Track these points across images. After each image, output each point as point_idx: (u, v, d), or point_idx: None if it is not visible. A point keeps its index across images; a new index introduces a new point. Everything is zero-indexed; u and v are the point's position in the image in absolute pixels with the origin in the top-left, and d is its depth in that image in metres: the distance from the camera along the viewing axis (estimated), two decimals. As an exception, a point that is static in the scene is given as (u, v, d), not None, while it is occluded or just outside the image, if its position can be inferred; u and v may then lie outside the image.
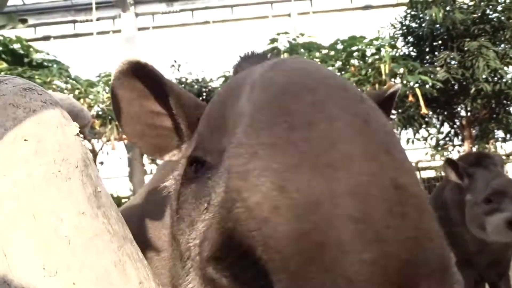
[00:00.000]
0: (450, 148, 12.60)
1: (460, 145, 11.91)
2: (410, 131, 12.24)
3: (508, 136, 11.82)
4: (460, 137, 11.82)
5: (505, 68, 9.89)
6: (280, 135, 0.46)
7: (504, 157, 11.98)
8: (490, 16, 9.38)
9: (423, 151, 13.53)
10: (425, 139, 12.74)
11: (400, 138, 13.30)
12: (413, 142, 12.95)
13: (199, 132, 0.79)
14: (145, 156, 11.27)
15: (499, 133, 12.11)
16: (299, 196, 0.42)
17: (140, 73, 0.87)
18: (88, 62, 14.46)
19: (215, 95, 0.82)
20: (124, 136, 9.20)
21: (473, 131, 11.45)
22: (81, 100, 8.59)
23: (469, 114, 11.30)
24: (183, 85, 9.81)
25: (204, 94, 9.88)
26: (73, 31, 15.04)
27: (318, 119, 0.46)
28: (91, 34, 13.84)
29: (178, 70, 10.45)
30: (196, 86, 9.87)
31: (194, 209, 0.69)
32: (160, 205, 1.16)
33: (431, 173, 13.36)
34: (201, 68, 10.69)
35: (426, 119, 11.57)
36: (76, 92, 8.71)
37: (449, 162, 3.63)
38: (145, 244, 1.13)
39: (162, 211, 1.16)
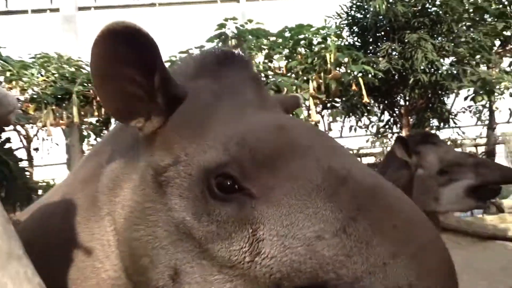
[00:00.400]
0: (390, 135, 13.15)
1: (398, 133, 12.43)
2: (352, 119, 12.63)
3: (442, 124, 12.50)
4: (398, 125, 12.35)
5: (441, 60, 10.41)
6: None
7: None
8: (429, 10, 9.78)
9: (365, 138, 14.03)
10: (367, 126, 13.21)
11: (344, 126, 13.74)
12: (355, 129, 13.39)
13: (234, 152, 0.79)
14: (84, 142, 10.81)
15: (434, 122, 12.78)
16: None
17: (130, 39, 0.82)
18: (22, 42, 13.52)
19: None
20: (61, 122, 8.72)
21: (411, 120, 12.00)
22: (13, 82, 8.01)
23: (407, 103, 11.81)
24: (126, 69, 9.41)
25: (149, 78, 9.54)
26: (5, 8, 13.97)
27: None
28: (26, 12, 12.93)
29: (121, 53, 10.01)
30: (140, 70, 9.50)
31: (235, 233, 0.75)
32: (92, 199, 1.09)
33: (371, 159, 13.89)
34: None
35: (368, 108, 11.96)
36: (8, 74, 8.11)
37: (399, 139, 3.77)
38: (70, 244, 1.04)
39: (95, 207, 1.08)
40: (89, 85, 9.31)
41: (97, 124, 10.48)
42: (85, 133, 11.75)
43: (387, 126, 12.61)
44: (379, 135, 13.23)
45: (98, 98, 9.21)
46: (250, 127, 0.81)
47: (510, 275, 6.22)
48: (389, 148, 11.42)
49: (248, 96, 0.95)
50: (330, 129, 12.47)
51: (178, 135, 0.90)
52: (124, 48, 0.83)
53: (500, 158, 12.86)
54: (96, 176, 1.11)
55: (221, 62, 1.04)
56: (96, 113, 9.80)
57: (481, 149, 12.99)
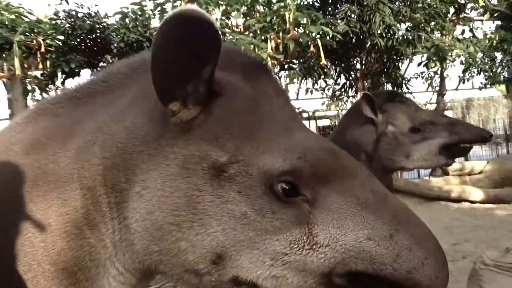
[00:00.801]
0: (345, 99, 13.30)
1: (353, 96, 12.59)
2: (309, 81, 12.63)
3: (395, 89, 12.77)
4: (354, 89, 12.48)
5: (398, 25, 10.48)
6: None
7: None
8: (389, -27, 9.72)
9: (320, 101, 14.11)
10: (323, 89, 13.27)
11: (300, 88, 13.73)
12: (311, 92, 13.41)
13: (296, 164, 0.94)
14: (29, 96, 10.17)
15: (389, 86, 13.03)
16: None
17: (198, 27, 0.86)
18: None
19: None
20: (2, 74, 8.09)
21: (366, 84, 12.15)
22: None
23: (363, 67, 11.91)
24: (72, 20, 8.75)
25: (98, 31, 8.94)
26: None
27: None
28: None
29: (66, 1, 9.27)
30: (88, 22, 8.85)
31: (294, 229, 0.92)
32: (53, 167, 1.05)
33: (326, 122, 14.05)
34: (95, 1, 9.63)
35: (325, 70, 11.96)
36: None
37: (365, 96, 3.72)
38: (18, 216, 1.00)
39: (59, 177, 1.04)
40: (32, 34, 8.61)
41: (42, 78, 9.82)
42: (29, 87, 11.05)
43: (343, 89, 12.72)
44: (335, 98, 13.34)
45: (42, 49, 8.60)
46: (307, 145, 0.99)
47: (452, 234, 6.57)
48: (344, 112, 11.56)
49: (285, 109, 1.11)
50: (287, 90, 12.45)
51: (228, 132, 0.97)
52: (189, 34, 0.87)
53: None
54: (67, 139, 1.07)
55: (247, 63, 1.11)
56: (40, 66, 9.15)
57: (430, 115, 13.42)
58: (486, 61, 12.55)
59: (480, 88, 14.00)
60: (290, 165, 0.94)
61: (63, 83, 12.15)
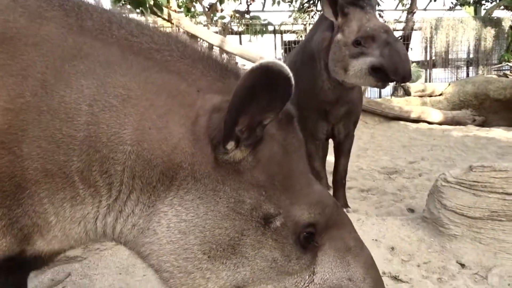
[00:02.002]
0: (313, 12, 12.69)
1: (321, 11, 12.03)
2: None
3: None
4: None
5: None
6: None
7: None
8: None
9: (288, 14, 13.42)
10: (290, 1, 12.57)
11: (267, -2, 12.94)
12: (278, 3, 12.69)
13: (317, 217, 1.09)
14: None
15: (359, 1, 12.50)
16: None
17: (276, 80, 0.90)
18: None
19: None
20: None
21: (336, -3, 11.54)
22: None
23: (335, -22, 11.22)
24: None
25: None
26: None
27: None
28: None
29: None
30: None
31: (305, 270, 1.10)
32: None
33: (292, 37, 13.52)
34: None
35: (294, -21, 11.22)
36: None
37: None
38: None
39: None
40: None
41: None
42: None
43: (311, 2, 12.08)
44: (303, 11, 12.69)
45: None
46: (324, 201, 1.13)
47: (410, 152, 6.62)
48: (311, 26, 11.06)
49: (304, 160, 1.18)
50: (253, 0, 11.69)
51: (271, 182, 1.05)
52: (270, 84, 0.91)
53: (415, 43, 13.27)
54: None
55: (283, 110, 1.05)
56: None
57: (398, 34, 13.18)
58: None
59: (450, 9, 13.73)
60: (314, 218, 1.10)
61: None
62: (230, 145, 1.00)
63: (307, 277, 1.10)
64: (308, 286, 1.10)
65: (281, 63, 0.91)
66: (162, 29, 1.20)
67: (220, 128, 0.99)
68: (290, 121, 1.15)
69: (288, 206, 1.06)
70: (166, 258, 1.04)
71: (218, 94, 1.07)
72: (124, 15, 1.12)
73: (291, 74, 0.91)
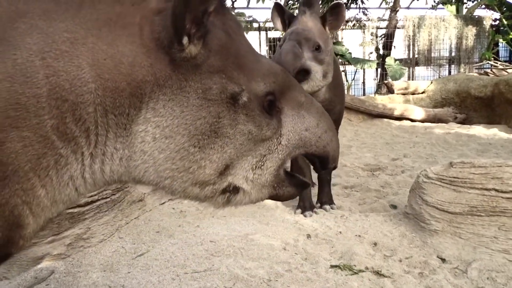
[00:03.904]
0: (297, 10, 12.73)
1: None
2: (262, -13, 11.85)
3: (350, 2, 12.34)
4: (308, -1, 11.90)
5: None
6: None
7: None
8: None
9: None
10: (276, -2, 12.60)
11: (252, -6, 12.90)
12: (263, 0, 12.68)
13: (272, 86, 1.23)
14: None
15: (343, -1, 12.55)
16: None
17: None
18: None
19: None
20: None
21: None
22: None
23: (320, -25, 11.26)
24: None
25: None
26: None
27: None
28: None
29: None
30: None
31: (275, 132, 1.25)
32: None
33: (277, 34, 13.52)
34: None
35: (279, -24, 11.19)
36: None
37: (276, 7, 3.42)
38: None
39: None
40: None
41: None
42: None
43: (296, -1, 12.12)
44: (288, 8, 12.70)
45: None
46: (274, 70, 1.27)
47: (392, 150, 6.71)
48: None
49: (245, 39, 1.26)
50: (237, -4, 11.64)
51: (226, 65, 1.15)
52: None
53: (398, 41, 13.41)
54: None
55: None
56: None
57: (382, 32, 13.31)
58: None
59: (432, 7, 13.91)
60: (270, 87, 1.23)
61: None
62: (185, 40, 1.06)
63: (276, 139, 1.26)
64: (277, 146, 1.26)
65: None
66: None
67: (168, 27, 1.04)
68: (223, 7, 1.21)
69: (247, 82, 1.17)
70: (164, 166, 1.13)
71: None
72: None
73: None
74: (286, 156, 1.29)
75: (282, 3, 10.72)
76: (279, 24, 3.38)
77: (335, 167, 1.44)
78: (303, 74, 3.07)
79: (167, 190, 1.19)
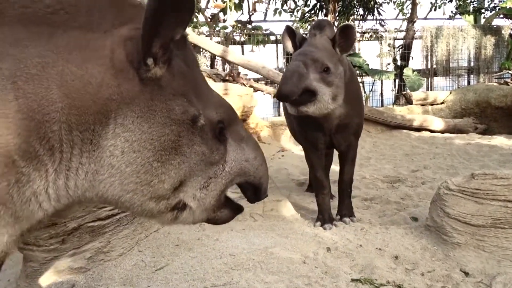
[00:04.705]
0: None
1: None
2: (278, 1, 11.97)
3: (366, 13, 12.34)
4: (324, 11, 11.94)
5: None
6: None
7: (358, 34, 12.64)
8: None
9: (289, 24, 13.50)
10: (292, 11, 12.66)
11: (268, 8, 13.03)
12: (280, 13, 12.78)
13: (223, 115, 1.38)
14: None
15: (360, 11, 12.55)
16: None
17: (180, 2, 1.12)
18: None
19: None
20: None
21: (337, 6, 11.62)
22: None
23: (335, -12, 11.32)
24: None
25: None
26: None
27: None
28: None
29: None
30: None
31: (221, 158, 1.39)
32: None
33: (293, 47, 13.56)
34: None
35: (295, -10, 11.30)
36: None
37: (287, 30, 3.44)
38: None
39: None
40: None
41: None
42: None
43: (312, 12, 12.16)
44: (304, 21, 12.77)
45: None
46: (224, 103, 1.45)
47: (412, 161, 6.63)
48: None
49: (200, 73, 1.40)
50: (254, 10, 11.76)
51: (187, 90, 1.27)
52: (172, 2, 1.10)
53: (416, 51, 13.30)
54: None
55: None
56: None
57: (399, 43, 13.24)
58: (460, -13, 12.23)
59: (450, 17, 13.80)
60: (221, 116, 1.37)
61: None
62: (150, 61, 1.15)
63: (221, 165, 1.38)
64: (222, 171, 1.38)
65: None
66: None
67: (138, 50, 1.14)
68: (185, 40, 1.32)
69: (203, 108, 1.31)
70: (129, 180, 1.20)
71: (122, 26, 1.18)
72: None
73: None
74: (228, 182, 1.41)
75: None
76: (290, 47, 3.41)
77: (265, 197, 1.59)
78: (309, 95, 3.06)
79: (126, 204, 1.25)
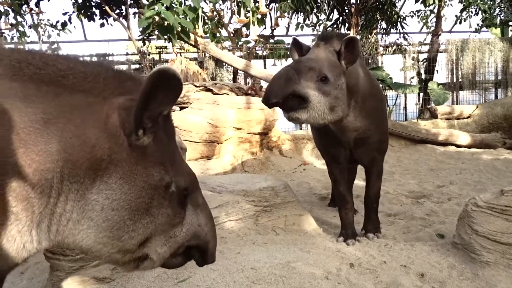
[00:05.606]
0: (337, 36, 12.76)
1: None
2: (301, 16, 12.02)
3: (390, 27, 12.26)
4: (347, 25, 11.94)
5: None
6: None
7: (382, 48, 12.56)
8: None
9: (311, 38, 13.52)
10: (314, 25, 12.69)
11: (291, 23, 13.10)
12: (302, 27, 12.82)
13: (188, 183, 1.54)
14: (1, 19, 9.48)
15: (383, 24, 12.49)
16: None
17: (167, 80, 1.28)
18: None
19: None
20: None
21: (360, 20, 11.60)
22: None
23: (358, 2, 11.32)
24: None
25: None
26: None
27: None
28: None
29: None
30: None
31: (183, 221, 1.54)
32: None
33: (316, 61, 13.55)
34: None
35: (318, 4, 11.34)
36: None
37: (293, 42, 3.43)
38: None
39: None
40: None
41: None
42: (1, 9, 10.33)
43: (335, 26, 12.16)
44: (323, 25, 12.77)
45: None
46: (190, 171, 1.59)
47: (438, 176, 6.49)
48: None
49: (175, 144, 1.56)
50: (277, 25, 11.84)
51: (165, 159, 1.42)
52: (167, 82, 1.27)
53: (441, 65, 13.10)
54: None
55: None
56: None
57: (423, 56, 13.08)
58: (486, 0, 12.04)
59: (476, 30, 13.59)
60: (187, 184, 1.52)
61: (37, 4, 11.32)
62: (140, 132, 1.30)
63: (180, 227, 1.51)
64: (180, 232, 1.51)
65: (173, 68, 1.27)
66: (61, 53, 1.55)
67: (130, 120, 1.28)
68: (169, 114, 1.48)
69: (175, 176, 1.45)
70: (103, 234, 1.32)
71: (120, 96, 1.33)
72: (26, 50, 1.35)
73: (180, 76, 1.29)
74: (184, 241, 1.55)
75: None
76: (296, 57, 3.39)
77: (212, 262, 1.72)
78: (299, 101, 2.96)
79: (96, 254, 1.38)
